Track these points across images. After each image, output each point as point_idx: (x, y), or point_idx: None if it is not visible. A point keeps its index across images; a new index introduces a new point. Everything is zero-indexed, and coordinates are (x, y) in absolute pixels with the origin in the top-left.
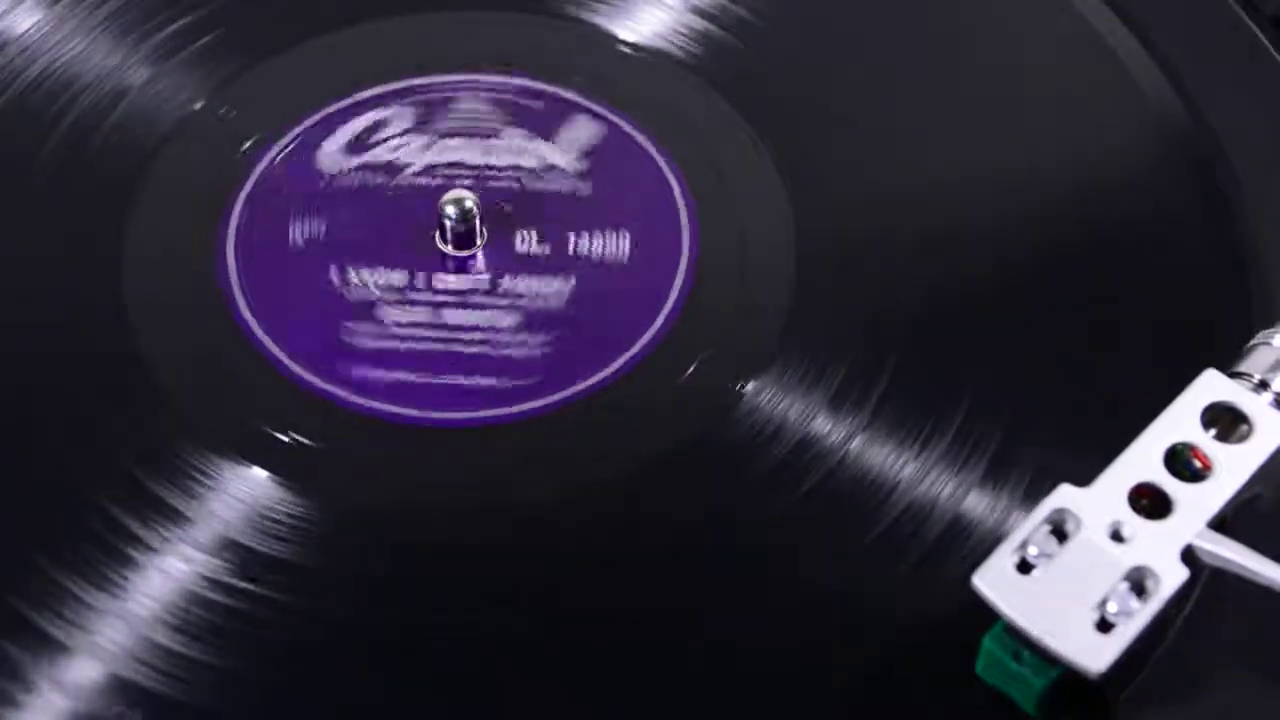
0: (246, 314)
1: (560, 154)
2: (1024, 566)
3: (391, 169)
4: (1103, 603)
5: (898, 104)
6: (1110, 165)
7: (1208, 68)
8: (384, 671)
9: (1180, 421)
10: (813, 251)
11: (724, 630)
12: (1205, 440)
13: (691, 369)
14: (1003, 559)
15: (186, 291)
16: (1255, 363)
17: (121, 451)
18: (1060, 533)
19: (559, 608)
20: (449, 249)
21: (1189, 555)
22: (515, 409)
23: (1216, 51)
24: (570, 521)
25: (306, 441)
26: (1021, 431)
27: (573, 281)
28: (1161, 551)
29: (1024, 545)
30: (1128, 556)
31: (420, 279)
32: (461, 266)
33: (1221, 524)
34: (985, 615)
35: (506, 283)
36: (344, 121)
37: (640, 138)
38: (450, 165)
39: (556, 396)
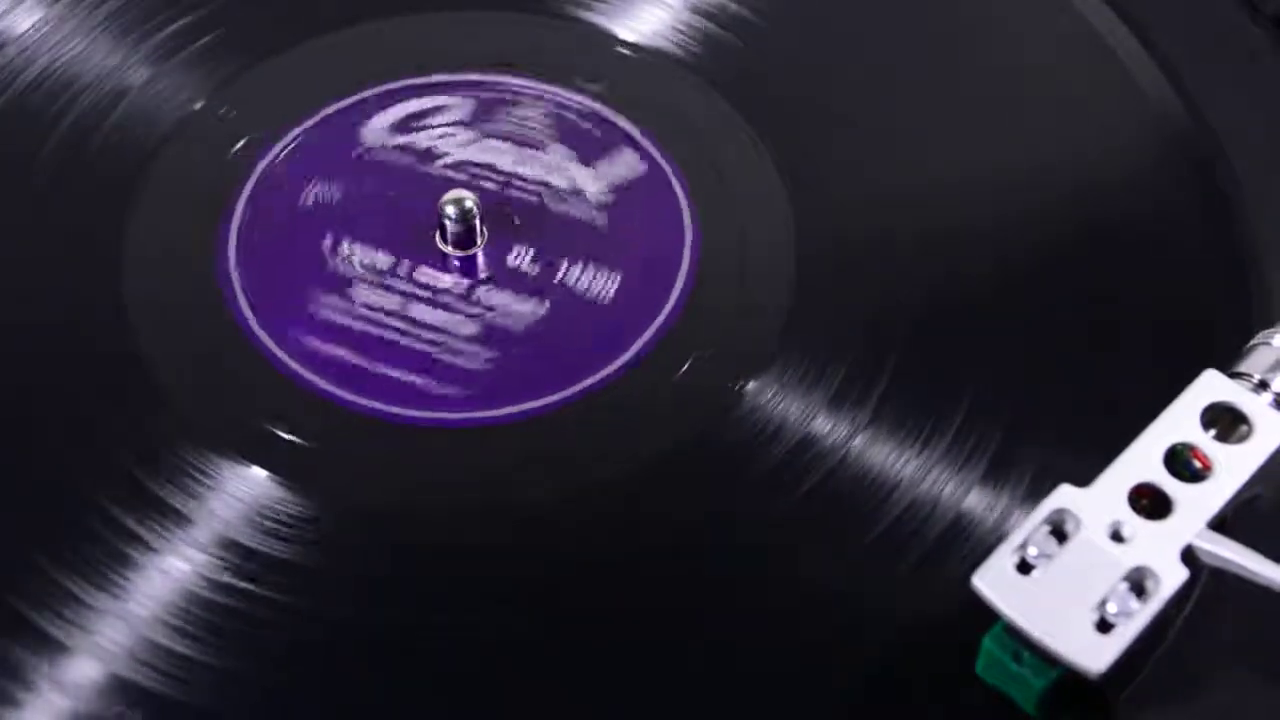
0: (247, 314)
1: (592, 181)
2: (1024, 567)
3: (427, 156)
4: (1103, 603)
5: (898, 104)
6: (1110, 165)
7: (1208, 68)
8: (384, 671)
9: (1180, 421)
10: (813, 251)
11: (724, 630)
12: (1205, 440)
13: (691, 369)
14: (1003, 559)
15: (186, 291)
16: (1255, 363)
17: (121, 451)
18: (1060, 533)
19: (559, 608)
20: (448, 248)
21: (1189, 555)
22: (515, 409)
23: (1216, 51)
24: (570, 521)
25: (306, 442)
26: (1021, 431)
27: (545, 308)
28: (1161, 552)
29: (1024, 545)
30: (1128, 557)
31: (404, 268)
32: (449, 266)
33: (1221, 524)
34: (985, 615)
35: (482, 292)
36: (403, 100)
37: (676, 184)
38: (482, 166)
39: (556, 396)
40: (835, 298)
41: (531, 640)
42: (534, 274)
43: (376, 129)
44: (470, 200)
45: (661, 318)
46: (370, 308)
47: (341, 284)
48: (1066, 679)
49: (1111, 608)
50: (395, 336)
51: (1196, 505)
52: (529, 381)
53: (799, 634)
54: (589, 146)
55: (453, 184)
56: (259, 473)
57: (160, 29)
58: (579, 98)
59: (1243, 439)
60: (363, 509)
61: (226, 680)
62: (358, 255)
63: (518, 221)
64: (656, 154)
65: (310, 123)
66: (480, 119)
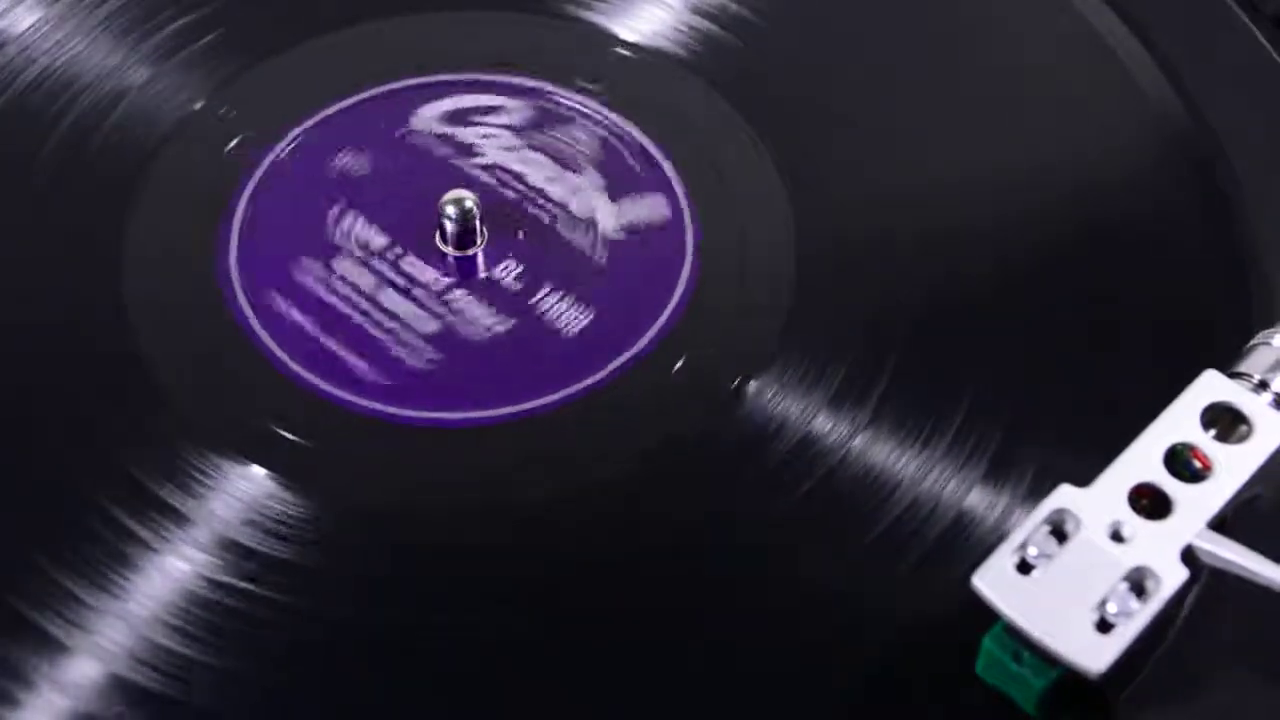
0: (247, 314)
1: (611, 217)
2: (1024, 567)
3: (465, 151)
4: (1102, 603)
5: (898, 104)
6: (1110, 165)
7: (1208, 68)
8: (384, 671)
9: (1180, 421)
10: (813, 251)
11: (724, 630)
12: (1205, 440)
13: (691, 369)
14: (1003, 559)
15: (186, 291)
16: (1255, 363)
17: (121, 451)
18: (1060, 533)
19: (559, 608)
20: (447, 248)
21: (1189, 555)
22: (515, 409)
23: (1216, 51)
24: (570, 521)
25: (306, 441)
26: (1021, 431)
27: (508, 326)
28: (1161, 552)
29: (1024, 545)
30: (1128, 557)
31: (394, 253)
32: (437, 261)
33: (1221, 524)
34: (985, 615)
35: (457, 294)
36: (466, 92)
37: (691, 230)
38: (512, 174)
39: (557, 396)
40: (835, 298)
41: (531, 640)
42: (512, 290)
43: (428, 115)
44: (470, 200)
45: (662, 318)
46: (345, 281)
47: (329, 253)
48: (1066, 679)
49: (1111, 608)
50: (356, 316)
51: (1196, 505)
52: (463, 392)
53: (799, 634)
54: (624, 181)
55: (476, 183)
56: (259, 473)
57: (160, 29)
58: (636, 132)
59: (1243, 439)
60: (363, 509)
61: (226, 680)
62: (357, 229)
63: (521, 235)
64: (684, 203)
65: (311, 123)
66: (531, 128)
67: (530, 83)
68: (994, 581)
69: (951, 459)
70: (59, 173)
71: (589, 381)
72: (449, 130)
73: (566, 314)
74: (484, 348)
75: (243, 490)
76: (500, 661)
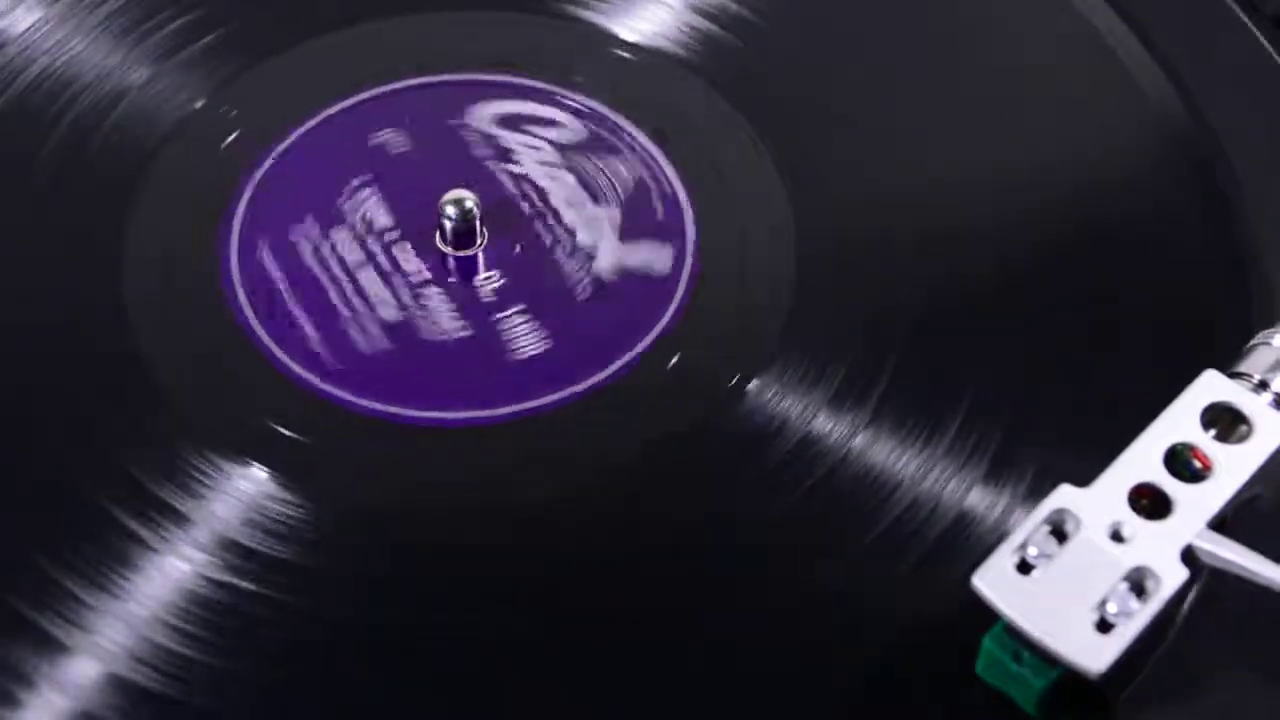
0: (247, 314)
1: (611, 254)
2: (1024, 567)
3: (503, 155)
4: (1102, 603)
5: (898, 104)
6: (1110, 165)
7: (1208, 68)
8: (384, 671)
9: (1180, 421)
10: (813, 251)
11: (724, 630)
12: (1205, 440)
13: (691, 369)
14: (1003, 559)
15: (186, 291)
16: (1255, 363)
17: (121, 451)
18: (1060, 533)
19: (559, 608)
20: (445, 246)
21: (1189, 555)
22: (515, 409)
23: (1216, 51)
24: (570, 521)
25: (306, 441)
26: (1021, 431)
27: (464, 335)
28: (1161, 552)
29: (1024, 545)
30: (1128, 557)
31: (392, 236)
32: (427, 254)
33: (1221, 524)
34: (985, 615)
35: (430, 291)
36: (531, 100)
37: (681, 287)
38: (536, 188)
39: (557, 396)
40: (835, 298)
41: (531, 640)
42: (484, 299)
43: (484, 113)
44: (470, 201)
45: (663, 318)
46: (333, 251)
47: (332, 220)
48: (1066, 679)
49: (1111, 608)
50: (330, 286)
51: (1196, 505)
52: (407, 388)
53: (799, 634)
54: (642, 223)
55: (500, 189)
56: (259, 472)
57: (160, 29)
58: (676, 180)
59: (1243, 439)
60: (363, 509)
61: (226, 680)
62: (368, 205)
63: (518, 250)
64: (690, 257)
65: (312, 123)
66: (575, 149)
67: (590, 103)
68: (994, 581)
69: (951, 459)
70: (59, 173)
71: (589, 381)
72: (497, 132)
73: (525, 337)
74: (433, 348)
75: (242, 490)
76: (500, 661)
